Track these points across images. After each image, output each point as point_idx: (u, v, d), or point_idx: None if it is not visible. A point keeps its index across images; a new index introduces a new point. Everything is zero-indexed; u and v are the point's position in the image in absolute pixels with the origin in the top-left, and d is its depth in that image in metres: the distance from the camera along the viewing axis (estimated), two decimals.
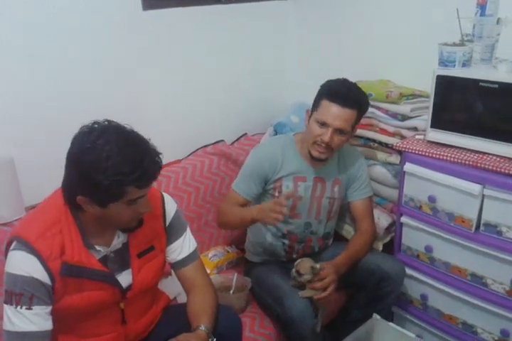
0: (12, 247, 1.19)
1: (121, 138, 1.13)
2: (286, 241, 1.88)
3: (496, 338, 1.74)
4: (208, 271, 1.77)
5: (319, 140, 1.68)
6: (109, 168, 1.09)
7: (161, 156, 1.19)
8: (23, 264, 1.16)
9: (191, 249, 1.45)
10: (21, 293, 1.15)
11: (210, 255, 2.00)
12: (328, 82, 1.74)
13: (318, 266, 1.63)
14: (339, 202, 1.91)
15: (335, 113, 1.65)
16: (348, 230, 2.06)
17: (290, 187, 1.80)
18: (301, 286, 1.66)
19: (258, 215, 1.60)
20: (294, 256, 1.89)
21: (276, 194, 1.81)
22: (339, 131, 1.67)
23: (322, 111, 1.67)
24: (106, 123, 1.17)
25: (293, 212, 1.82)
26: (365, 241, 1.84)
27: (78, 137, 1.14)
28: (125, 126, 1.18)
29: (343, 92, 1.66)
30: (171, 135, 2.10)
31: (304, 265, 1.64)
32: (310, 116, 1.74)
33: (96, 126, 1.15)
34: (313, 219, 1.87)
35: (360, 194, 1.89)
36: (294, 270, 1.65)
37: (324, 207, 1.86)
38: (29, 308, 1.16)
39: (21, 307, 1.15)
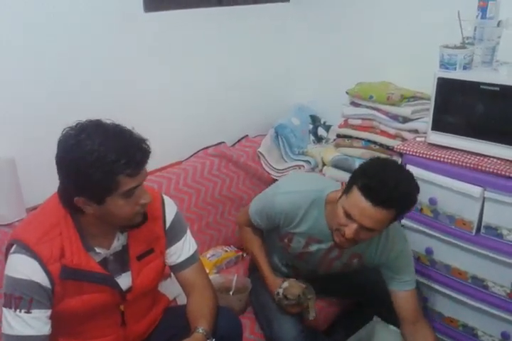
0: (12, 250, 1.19)
1: (102, 131, 1.13)
2: (291, 270, 1.77)
3: None
4: (207, 271, 1.76)
5: (342, 230, 1.41)
6: (95, 160, 1.09)
7: (147, 143, 1.18)
8: (23, 267, 1.16)
9: (191, 252, 1.44)
10: (20, 296, 1.15)
11: (208, 255, 2.00)
12: (369, 163, 1.41)
13: (305, 294, 1.58)
14: (357, 270, 1.68)
15: (364, 211, 1.32)
16: None
17: (301, 243, 1.59)
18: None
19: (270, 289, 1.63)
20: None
21: (286, 241, 1.62)
22: (366, 228, 1.36)
23: (351, 202, 1.35)
24: (83, 123, 1.17)
25: (299, 259, 1.68)
26: None
27: (62, 139, 1.15)
28: (106, 120, 1.18)
29: (379, 188, 1.30)
30: (171, 136, 2.10)
31: (293, 292, 1.57)
32: (342, 194, 1.42)
33: (77, 126, 1.16)
34: (322, 271, 1.70)
35: (403, 285, 1.56)
36: (281, 292, 1.57)
37: (336, 267, 1.66)
38: (28, 312, 1.15)
39: (20, 311, 1.15)
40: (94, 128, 1.14)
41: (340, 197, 1.42)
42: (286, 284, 1.59)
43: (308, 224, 1.55)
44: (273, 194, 1.60)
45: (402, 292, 1.56)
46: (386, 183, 1.31)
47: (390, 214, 1.34)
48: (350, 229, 1.37)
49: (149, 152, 1.17)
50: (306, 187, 1.59)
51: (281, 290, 1.58)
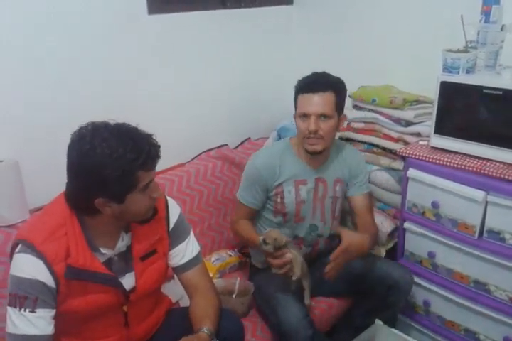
0: (17, 250, 1.20)
1: (114, 133, 1.16)
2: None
3: None
4: (211, 275, 1.76)
5: (307, 132, 1.68)
6: (115, 161, 1.13)
7: (154, 137, 1.22)
8: (28, 267, 1.17)
9: (194, 253, 1.45)
10: (25, 295, 1.16)
11: (212, 259, 2.00)
12: (298, 80, 1.77)
13: (283, 240, 1.61)
14: (342, 201, 1.90)
15: (310, 101, 1.68)
16: None
17: (292, 192, 1.79)
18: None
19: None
20: None
21: (279, 200, 1.80)
22: (322, 116, 1.67)
23: (299, 105, 1.71)
24: (89, 126, 1.18)
25: (297, 216, 1.82)
26: (371, 232, 1.79)
27: (73, 145, 1.16)
28: (110, 121, 1.21)
29: (310, 81, 1.72)
30: (174, 138, 2.10)
31: (271, 235, 1.61)
32: (295, 117, 1.77)
33: (84, 131, 1.17)
34: (319, 221, 1.86)
35: (359, 189, 1.88)
36: (261, 238, 1.61)
37: (327, 207, 1.85)
38: (33, 311, 1.16)
39: (25, 310, 1.15)
40: (104, 130, 1.16)
41: (295, 119, 1.75)
42: (266, 231, 1.67)
43: (289, 169, 1.79)
44: (249, 163, 1.85)
45: (359, 196, 1.87)
46: (315, 75, 1.75)
47: (331, 96, 1.69)
48: (310, 124, 1.67)
49: (159, 146, 1.23)
50: (271, 145, 2.07)
51: (261, 237, 1.61)
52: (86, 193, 1.18)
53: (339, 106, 1.72)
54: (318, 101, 1.67)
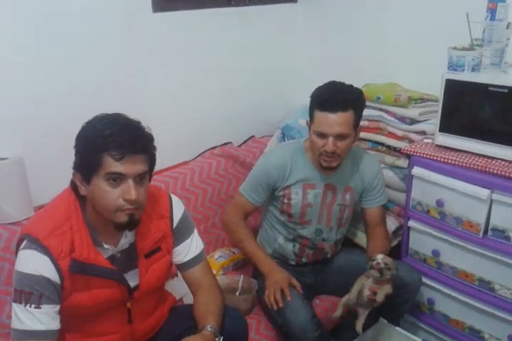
0: (22, 246, 1.20)
1: (111, 117, 1.21)
2: (297, 245, 1.86)
3: None
4: (214, 272, 1.76)
5: (323, 151, 1.64)
6: (91, 133, 1.17)
7: (150, 138, 1.22)
8: (33, 263, 1.17)
9: (198, 251, 1.45)
10: (30, 291, 1.16)
11: (216, 256, 2.01)
12: (315, 90, 1.68)
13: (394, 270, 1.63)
14: (351, 209, 1.86)
15: (328, 121, 1.60)
16: (360, 237, 2.03)
17: (299, 194, 1.77)
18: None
19: (267, 282, 1.69)
20: (304, 260, 1.88)
21: (286, 200, 1.78)
22: (339, 136, 1.62)
23: (317, 123, 1.63)
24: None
25: (302, 219, 1.81)
26: (384, 245, 1.82)
27: None
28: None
29: (329, 98, 1.61)
30: (178, 136, 2.11)
31: (390, 262, 1.61)
32: (310, 128, 1.70)
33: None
34: (324, 226, 1.84)
35: (375, 202, 1.86)
36: (382, 262, 1.59)
37: (335, 214, 1.83)
38: (38, 307, 1.16)
39: (30, 306, 1.16)
40: (106, 114, 1.22)
41: (310, 130, 1.69)
42: (379, 256, 1.62)
43: (299, 172, 1.77)
44: (261, 161, 1.84)
45: (374, 208, 1.86)
46: (332, 92, 1.63)
47: (350, 115, 1.61)
48: (328, 144, 1.62)
49: (146, 145, 1.20)
50: (283, 144, 2.01)
51: (379, 258, 1.60)
52: (73, 166, 1.22)
53: (357, 122, 1.66)
54: (336, 122, 1.60)
